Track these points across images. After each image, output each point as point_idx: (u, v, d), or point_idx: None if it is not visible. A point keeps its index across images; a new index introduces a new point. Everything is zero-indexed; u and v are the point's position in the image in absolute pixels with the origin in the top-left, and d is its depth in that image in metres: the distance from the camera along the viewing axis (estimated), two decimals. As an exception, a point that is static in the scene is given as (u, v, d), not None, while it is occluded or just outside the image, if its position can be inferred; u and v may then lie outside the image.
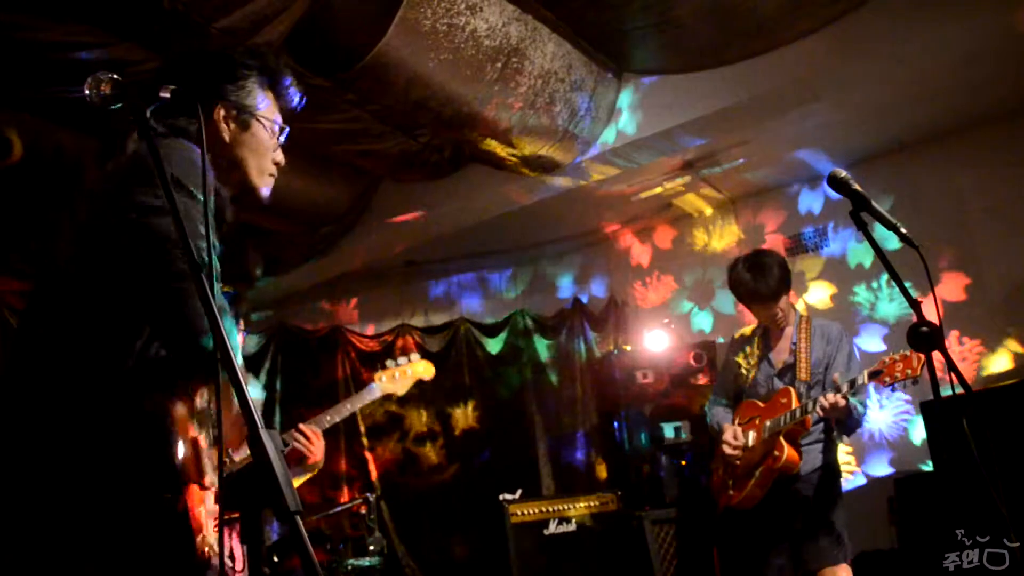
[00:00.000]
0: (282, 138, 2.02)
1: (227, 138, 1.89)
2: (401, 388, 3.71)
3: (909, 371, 3.33)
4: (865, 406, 3.73)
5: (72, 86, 3.52)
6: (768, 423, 3.73)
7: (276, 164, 2.02)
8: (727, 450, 3.81)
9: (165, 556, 1.56)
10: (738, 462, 3.81)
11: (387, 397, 3.77)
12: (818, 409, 3.51)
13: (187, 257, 1.44)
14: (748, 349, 3.99)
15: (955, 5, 3.98)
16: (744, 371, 3.95)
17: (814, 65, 4.33)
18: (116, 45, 3.44)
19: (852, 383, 3.49)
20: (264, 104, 1.97)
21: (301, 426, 3.09)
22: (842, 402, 3.47)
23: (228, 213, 1.87)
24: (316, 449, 3.05)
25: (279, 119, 2.00)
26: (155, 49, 3.48)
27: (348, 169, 5.32)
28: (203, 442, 1.69)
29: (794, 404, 3.65)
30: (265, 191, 2.00)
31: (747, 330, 4.08)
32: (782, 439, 3.66)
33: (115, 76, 1.59)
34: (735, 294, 3.94)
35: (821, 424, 3.75)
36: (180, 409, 1.65)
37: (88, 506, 1.54)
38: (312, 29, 3.67)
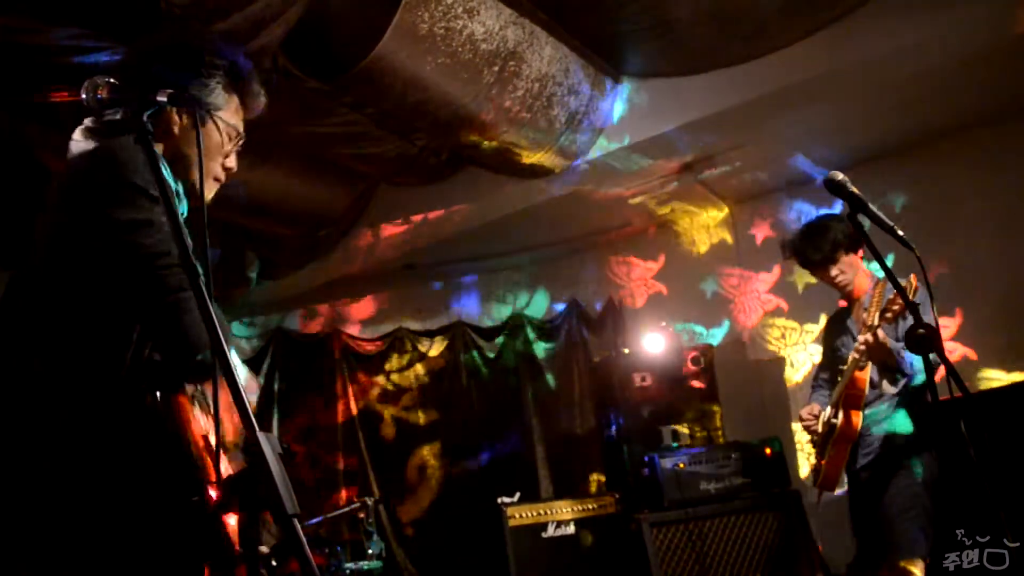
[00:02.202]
0: (237, 146, 1.96)
1: (176, 131, 1.83)
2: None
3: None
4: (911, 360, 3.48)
5: (68, 90, 3.52)
6: (836, 391, 3.67)
7: (227, 170, 1.96)
8: (801, 425, 3.81)
9: (209, 556, 1.58)
10: (816, 439, 3.78)
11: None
12: (855, 354, 3.45)
13: (182, 268, 1.45)
14: (837, 326, 3.88)
15: (952, 8, 3.98)
16: (837, 349, 3.84)
17: (812, 68, 4.33)
18: (112, 49, 3.43)
19: (877, 320, 3.36)
20: (225, 106, 1.90)
21: None
22: (871, 338, 3.35)
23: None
24: None
25: (239, 125, 1.95)
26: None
27: (345, 172, 5.31)
28: (212, 438, 1.71)
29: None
30: (207, 195, 1.92)
31: (840, 307, 3.94)
32: (840, 404, 3.59)
33: (112, 80, 1.59)
34: (797, 261, 3.84)
35: (893, 394, 3.61)
36: (182, 404, 1.66)
37: (118, 515, 1.54)
38: (309, 32, 3.66)
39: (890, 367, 3.55)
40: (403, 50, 3.75)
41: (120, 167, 1.63)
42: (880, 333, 3.39)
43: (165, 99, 1.61)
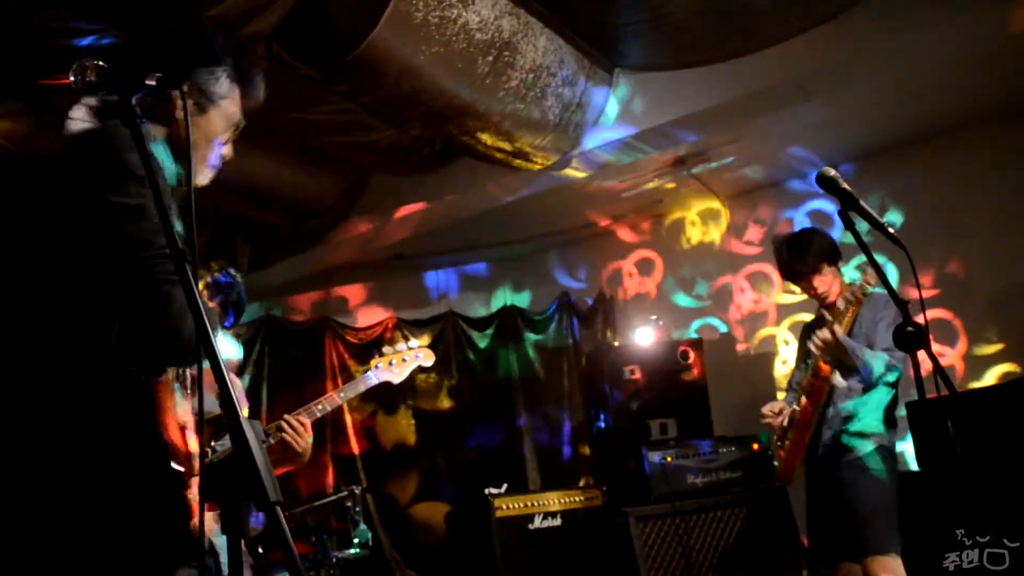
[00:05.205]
0: (235, 134, 1.97)
1: (178, 116, 1.80)
2: (398, 376, 3.49)
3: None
4: (881, 366, 3.53)
5: (58, 73, 3.49)
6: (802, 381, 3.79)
7: (223, 158, 1.97)
8: (764, 420, 3.87)
9: (170, 543, 1.60)
10: (778, 433, 3.88)
11: (385, 385, 3.48)
12: (813, 347, 3.57)
13: (169, 257, 1.44)
14: (812, 333, 3.82)
15: (947, 6, 3.99)
16: (809, 355, 3.82)
17: (806, 63, 4.34)
18: (104, 32, 3.41)
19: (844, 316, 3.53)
20: (228, 95, 1.91)
21: (287, 416, 3.03)
22: (828, 335, 3.48)
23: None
24: (303, 440, 3.00)
25: (238, 114, 1.96)
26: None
27: (338, 161, 5.29)
28: (190, 426, 1.71)
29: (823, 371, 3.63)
30: (203, 180, 1.94)
31: (810, 318, 4.09)
32: (803, 394, 3.73)
33: (101, 63, 1.57)
34: (779, 272, 3.96)
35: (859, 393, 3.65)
36: (162, 393, 1.66)
37: (91, 507, 1.54)
38: (303, 20, 3.64)
39: (848, 367, 3.60)
40: (397, 39, 3.74)
41: (114, 149, 1.62)
42: (837, 330, 3.49)
43: (154, 83, 1.60)
